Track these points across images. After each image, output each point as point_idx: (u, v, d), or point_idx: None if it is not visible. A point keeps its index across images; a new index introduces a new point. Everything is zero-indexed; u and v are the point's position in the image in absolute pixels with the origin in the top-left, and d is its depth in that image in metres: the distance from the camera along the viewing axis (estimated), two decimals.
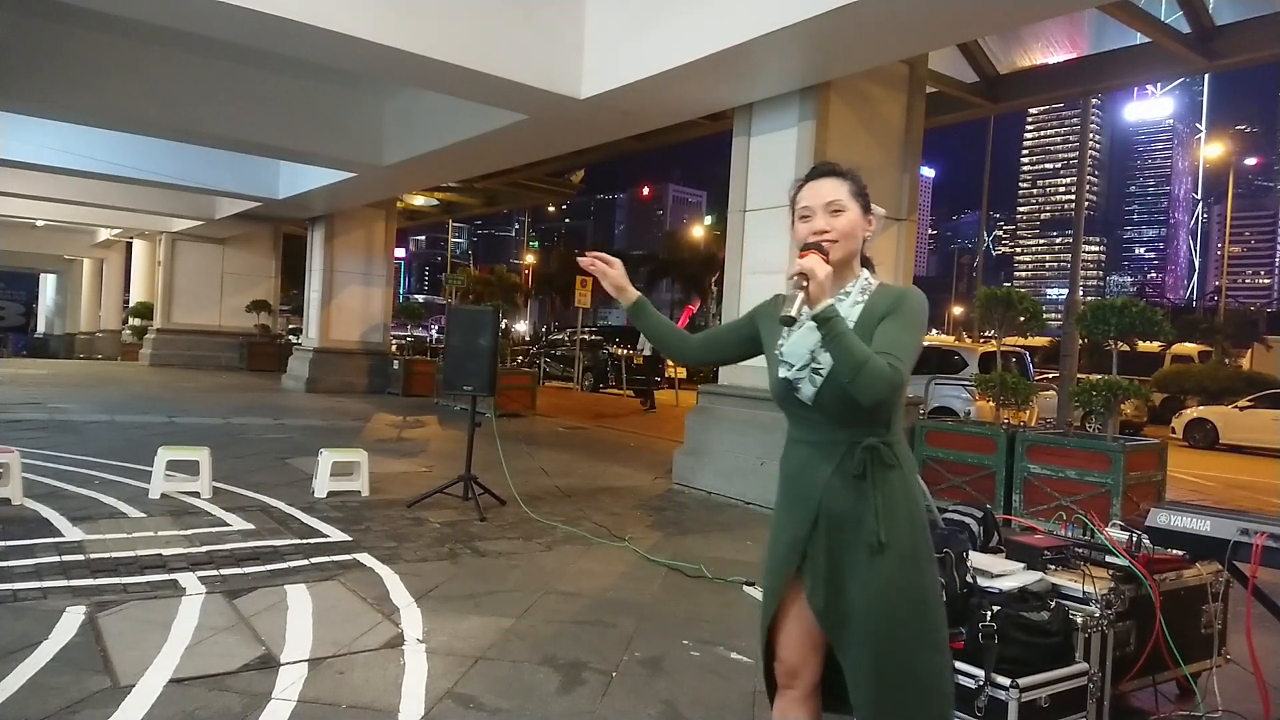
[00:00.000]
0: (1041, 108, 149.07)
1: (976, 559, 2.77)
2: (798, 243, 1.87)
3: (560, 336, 32.92)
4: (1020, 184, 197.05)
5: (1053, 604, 2.63)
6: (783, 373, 1.87)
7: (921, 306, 1.81)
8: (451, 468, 7.07)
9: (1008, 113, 11.70)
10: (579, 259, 2.15)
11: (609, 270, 2.10)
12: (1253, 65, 9.54)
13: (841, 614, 1.81)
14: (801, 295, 1.70)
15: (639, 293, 2.11)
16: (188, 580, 4.04)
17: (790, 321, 1.72)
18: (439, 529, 5.48)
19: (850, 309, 1.83)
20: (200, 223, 19.41)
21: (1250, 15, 8.59)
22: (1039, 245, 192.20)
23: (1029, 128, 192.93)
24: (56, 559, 4.25)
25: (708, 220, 55.98)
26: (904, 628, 1.78)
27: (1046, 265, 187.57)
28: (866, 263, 1.94)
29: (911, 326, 1.78)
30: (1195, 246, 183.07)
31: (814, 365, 1.80)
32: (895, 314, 1.79)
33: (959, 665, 2.49)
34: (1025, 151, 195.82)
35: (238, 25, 6.44)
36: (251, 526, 5.21)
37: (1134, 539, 2.99)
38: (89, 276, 30.32)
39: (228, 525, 5.22)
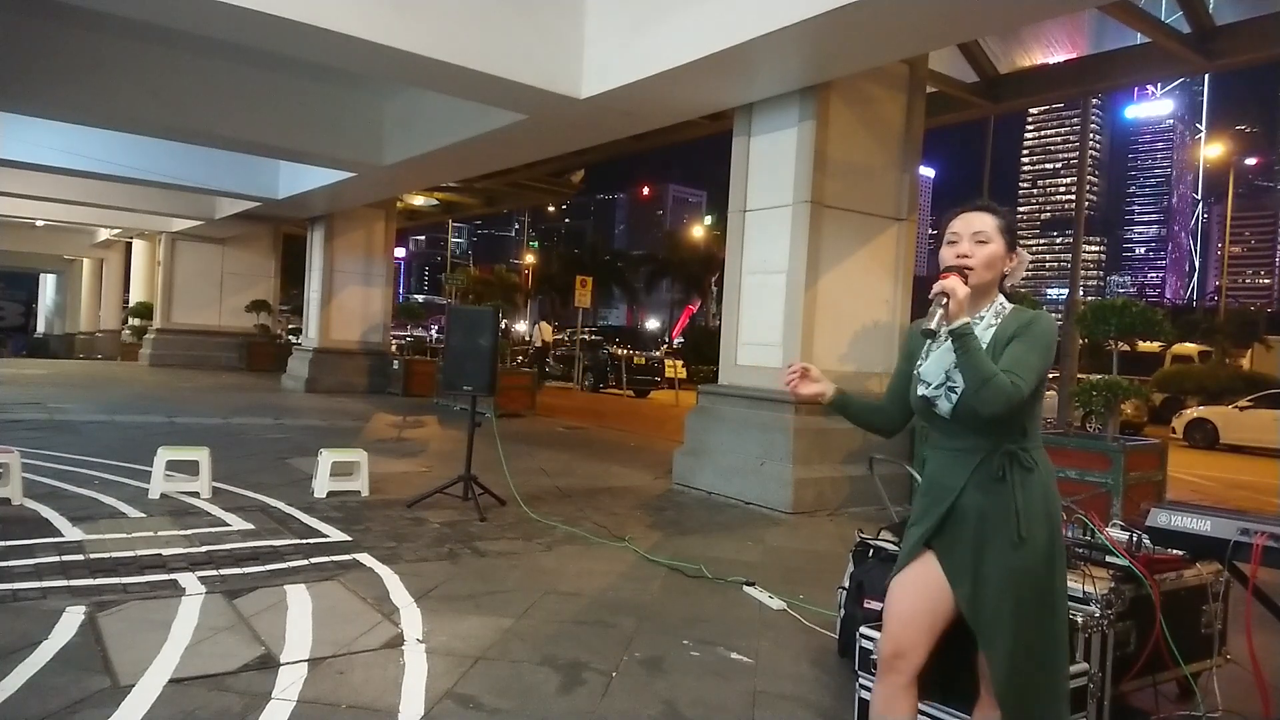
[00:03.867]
0: (1042, 108, 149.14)
1: None
2: (942, 264, 2.06)
3: (560, 336, 32.91)
4: (1020, 184, 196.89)
5: None
6: (921, 390, 2.05)
7: (1049, 330, 1.97)
8: (451, 468, 7.06)
9: (1008, 113, 11.69)
10: (791, 373, 2.24)
11: (813, 385, 2.23)
12: (1253, 65, 9.55)
13: (984, 603, 1.94)
14: (941, 312, 1.91)
15: (834, 387, 2.23)
16: (187, 580, 4.04)
17: (931, 334, 1.95)
18: (439, 529, 5.48)
19: (984, 331, 2.00)
20: (200, 223, 19.40)
21: (1250, 15, 8.59)
22: (1039, 245, 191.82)
23: (1029, 128, 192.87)
24: (56, 559, 4.25)
25: (708, 220, 56.01)
26: (1039, 619, 1.93)
27: (1047, 265, 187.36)
28: (1009, 295, 2.12)
29: (1038, 347, 1.94)
30: (1195, 246, 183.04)
31: (949, 384, 1.98)
32: (1023, 336, 1.95)
33: None
34: (1025, 151, 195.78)
35: (238, 25, 6.43)
36: (251, 526, 5.21)
37: (1134, 539, 2.99)
38: (89, 276, 30.31)
39: (227, 525, 5.22)
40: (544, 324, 24.62)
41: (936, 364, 2.02)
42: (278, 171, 14.91)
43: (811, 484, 6.80)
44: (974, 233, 2.04)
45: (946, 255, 2.06)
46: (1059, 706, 1.99)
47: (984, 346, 1.95)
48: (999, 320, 2.02)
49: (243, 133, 10.64)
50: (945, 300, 1.91)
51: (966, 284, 1.95)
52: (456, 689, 3.03)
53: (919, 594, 2.01)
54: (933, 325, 1.92)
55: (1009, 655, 1.93)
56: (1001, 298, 2.08)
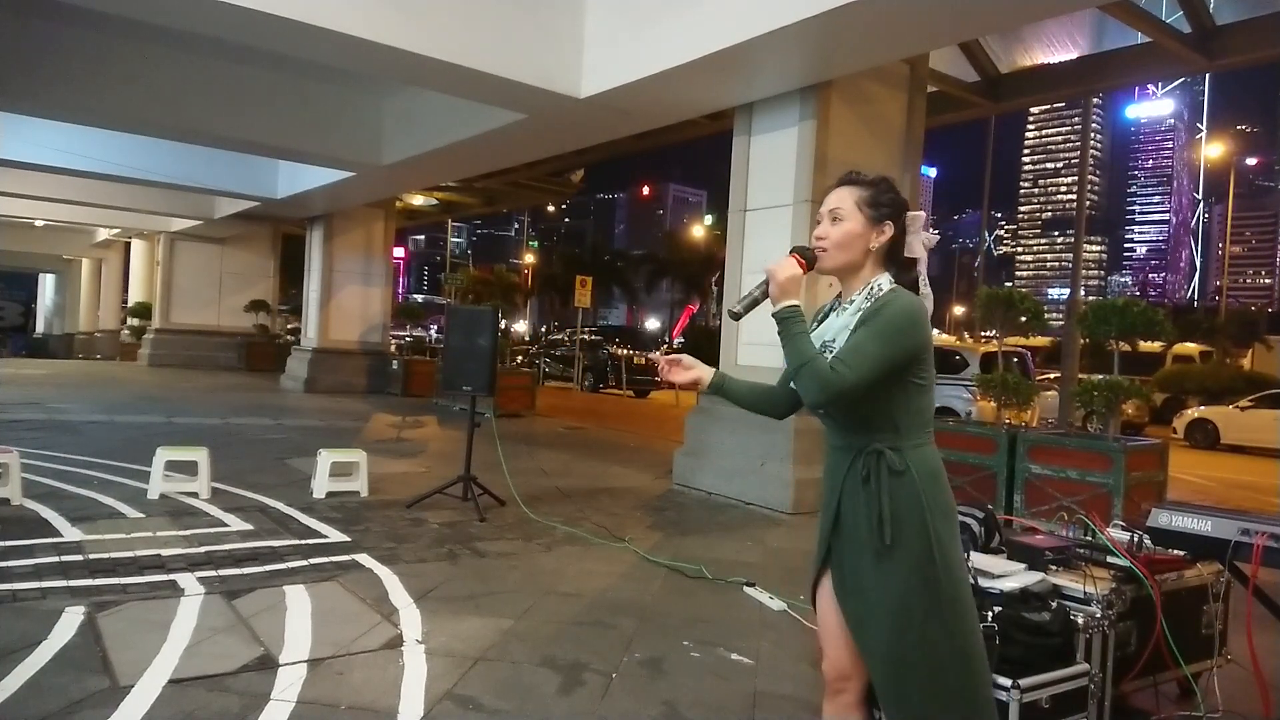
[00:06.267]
0: (1042, 107, 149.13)
1: (978, 559, 2.76)
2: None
3: (560, 336, 32.92)
4: (1021, 183, 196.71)
5: (1054, 604, 2.62)
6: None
7: (899, 314, 1.77)
8: (451, 468, 7.05)
9: (1009, 112, 11.71)
10: (663, 361, 2.09)
11: (685, 372, 2.04)
12: (1253, 65, 9.55)
13: (858, 614, 1.84)
14: (756, 293, 1.84)
15: (713, 371, 2.05)
16: (186, 581, 4.03)
17: (735, 316, 1.88)
18: (438, 529, 5.47)
19: (851, 318, 1.84)
20: (199, 222, 19.40)
21: (1250, 15, 8.60)
22: (1040, 245, 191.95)
23: (1030, 127, 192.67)
24: (55, 559, 4.24)
25: (708, 220, 56.06)
26: (921, 631, 1.75)
27: (1048, 265, 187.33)
28: (905, 271, 1.92)
29: (878, 335, 1.75)
30: (1196, 246, 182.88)
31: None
32: (869, 321, 1.78)
33: None
34: (1026, 151, 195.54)
35: (238, 25, 6.43)
36: (250, 527, 5.20)
37: (1135, 539, 2.99)
38: (88, 276, 30.30)
39: (226, 526, 5.21)
40: None
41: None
42: (277, 171, 14.91)
43: (812, 484, 6.79)
44: (830, 210, 1.90)
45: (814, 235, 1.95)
46: None
47: (850, 332, 1.79)
48: (869, 303, 1.83)
49: (242, 133, 10.63)
50: (764, 282, 1.82)
51: (811, 269, 1.84)
52: (456, 690, 3.02)
53: (835, 612, 1.91)
54: (736, 307, 1.84)
55: (883, 673, 1.79)
56: (884, 278, 1.87)
